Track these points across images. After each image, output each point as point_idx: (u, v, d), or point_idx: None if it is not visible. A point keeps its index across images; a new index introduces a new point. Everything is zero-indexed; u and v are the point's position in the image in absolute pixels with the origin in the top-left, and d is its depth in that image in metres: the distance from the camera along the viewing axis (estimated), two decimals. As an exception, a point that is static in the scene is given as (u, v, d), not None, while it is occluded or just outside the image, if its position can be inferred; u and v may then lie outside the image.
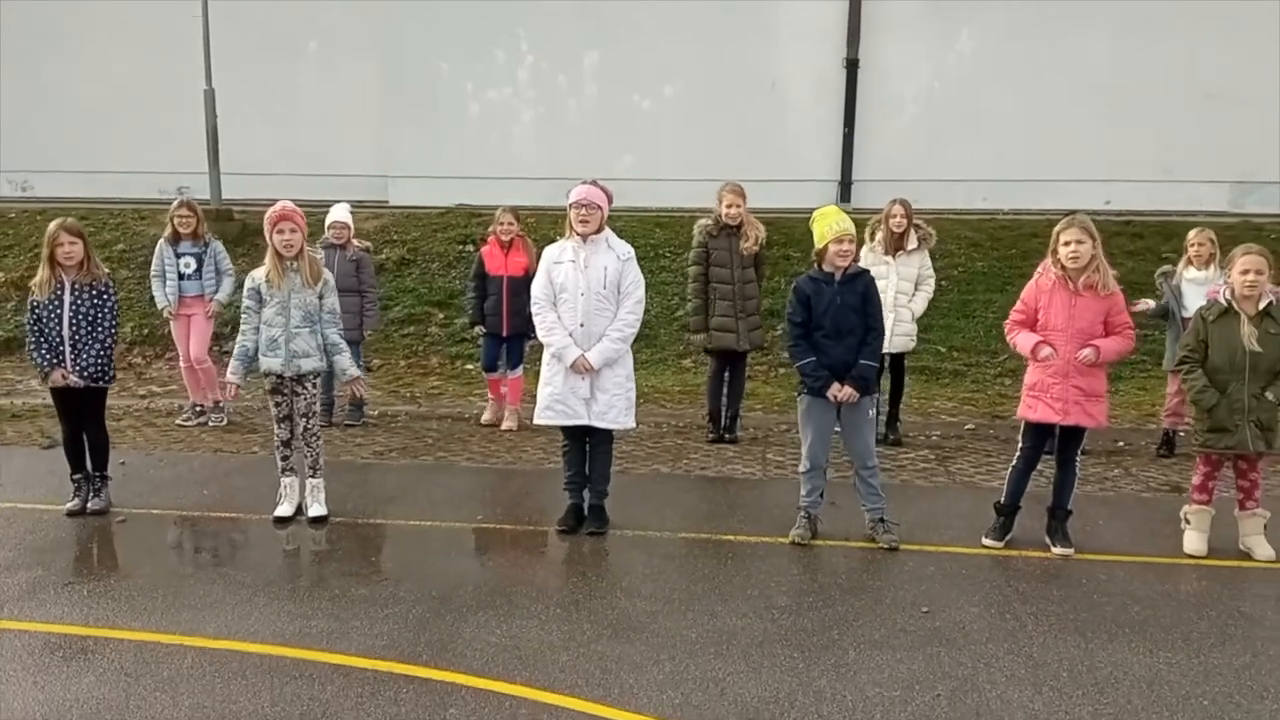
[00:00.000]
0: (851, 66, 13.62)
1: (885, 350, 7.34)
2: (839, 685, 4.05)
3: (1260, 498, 5.42)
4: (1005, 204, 13.00)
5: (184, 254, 8.05)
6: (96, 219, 12.49)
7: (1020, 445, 5.51)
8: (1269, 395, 5.18)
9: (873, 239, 7.55)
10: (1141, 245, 10.71)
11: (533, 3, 13.81)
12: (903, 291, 7.48)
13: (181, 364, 8.27)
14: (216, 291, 8.19)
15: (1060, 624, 4.60)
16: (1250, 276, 5.13)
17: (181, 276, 8.03)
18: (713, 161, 12.41)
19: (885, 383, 7.73)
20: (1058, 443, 5.48)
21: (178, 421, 8.26)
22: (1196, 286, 7.10)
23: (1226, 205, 12.94)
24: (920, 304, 7.53)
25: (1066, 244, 5.19)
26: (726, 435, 7.67)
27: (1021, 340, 5.39)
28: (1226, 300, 5.23)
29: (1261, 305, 5.18)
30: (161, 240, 8.20)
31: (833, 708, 3.89)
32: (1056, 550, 5.38)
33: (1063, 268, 5.22)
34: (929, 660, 4.25)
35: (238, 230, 11.84)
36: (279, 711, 3.88)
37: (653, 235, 11.58)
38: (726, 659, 4.28)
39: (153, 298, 8.44)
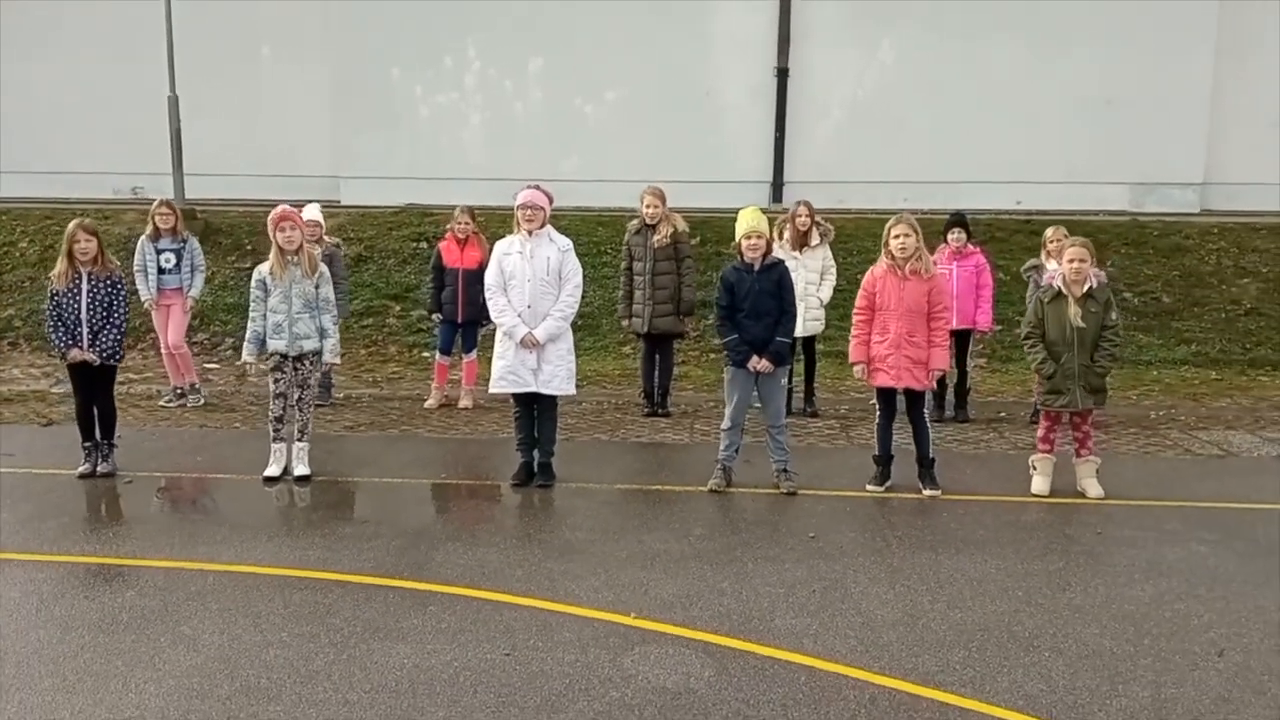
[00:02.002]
0: (781, 75, 14.97)
1: (801, 334, 8.67)
2: (737, 586, 5.31)
3: (1092, 447, 6.80)
4: (925, 204, 14.35)
5: (164, 249, 9.08)
6: (61, 218, 13.34)
7: (877, 406, 6.85)
8: (1096, 364, 6.55)
9: (781, 237, 8.79)
10: (1038, 241, 12.07)
11: (480, 12, 14.96)
12: (810, 282, 8.73)
13: (163, 350, 9.29)
14: (192, 286, 9.23)
15: (918, 543, 5.90)
16: (1075, 264, 6.49)
17: (161, 270, 9.06)
18: (653, 163, 13.65)
19: (801, 365, 9.05)
20: (906, 404, 6.78)
21: (160, 403, 9.28)
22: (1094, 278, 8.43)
23: (1127, 205, 14.46)
24: (827, 292, 8.79)
25: (896, 237, 6.52)
26: (659, 410, 8.90)
27: (852, 353, 6.88)
28: (1058, 286, 6.58)
29: (1085, 288, 6.53)
30: (143, 237, 9.21)
31: (730, 600, 5.13)
32: (926, 492, 6.70)
33: (892, 257, 6.53)
34: (810, 569, 5.52)
35: (200, 229, 12.79)
36: (291, 611, 5.03)
37: (595, 233, 12.77)
38: (649, 570, 5.50)
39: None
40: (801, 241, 8.75)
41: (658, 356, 8.95)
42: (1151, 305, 11.27)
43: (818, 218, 8.88)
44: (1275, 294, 11.32)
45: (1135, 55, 14.33)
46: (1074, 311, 6.51)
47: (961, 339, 8.48)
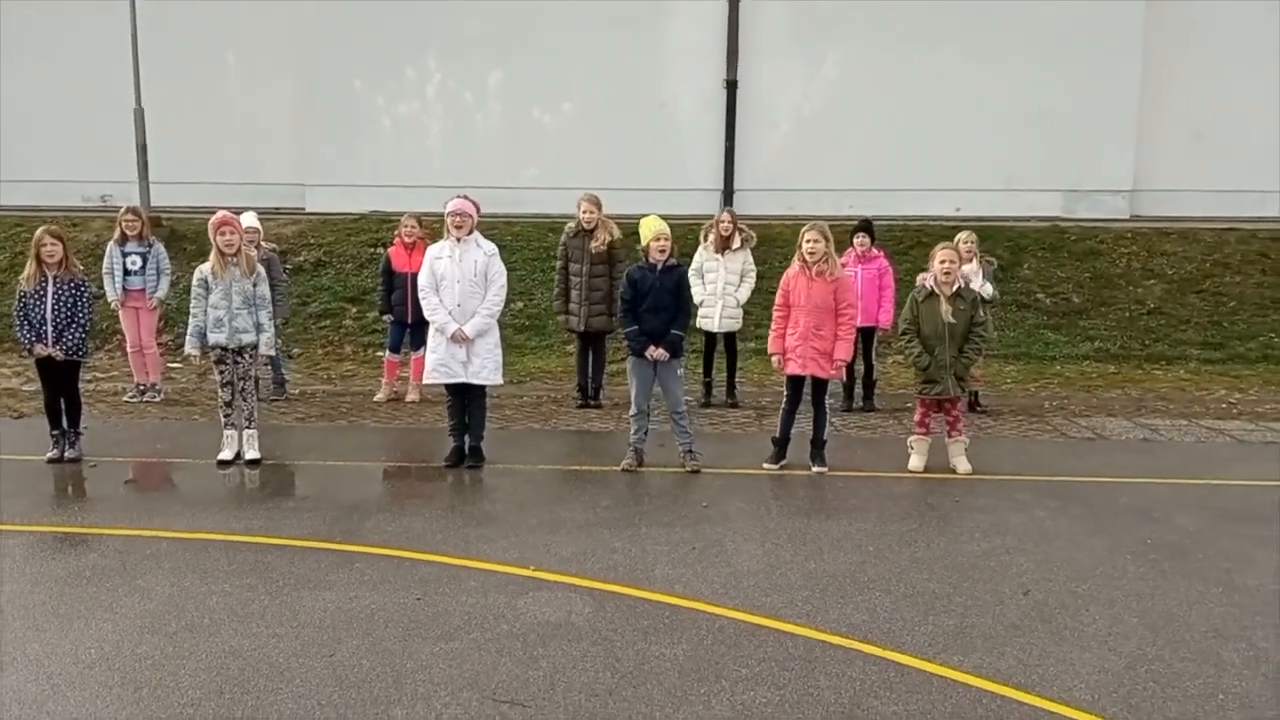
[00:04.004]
0: (731, 87, 15.95)
1: (718, 330, 9.59)
2: (629, 545, 6.19)
3: (962, 429, 7.72)
4: (868, 210, 15.24)
5: (130, 253, 9.94)
6: (31, 226, 14.12)
7: (785, 393, 7.75)
8: (964, 356, 7.48)
9: (705, 240, 9.72)
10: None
11: (440, 25, 15.88)
12: (730, 282, 9.62)
13: (130, 349, 10.12)
14: (157, 289, 10.08)
15: (795, 511, 6.81)
16: (946, 265, 7.42)
17: (128, 272, 9.92)
18: (608, 172, 14.55)
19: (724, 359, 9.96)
20: (812, 391, 7.68)
21: (125, 399, 10.12)
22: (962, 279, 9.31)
23: (1060, 211, 15.45)
24: (745, 293, 9.67)
25: (807, 242, 7.43)
26: (592, 402, 9.79)
27: (770, 345, 7.75)
28: (931, 286, 7.50)
29: (954, 288, 7.46)
30: (111, 242, 10.07)
31: (620, 556, 6.01)
32: (814, 469, 7.61)
33: (804, 260, 7.44)
34: (696, 532, 6.41)
35: (165, 235, 13.64)
36: (234, 568, 5.88)
37: (546, 239, 13.63)
38: (555, 535, 6.38)
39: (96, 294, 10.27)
40: (724, 245, 9.64)
41: (591, 353, 9.83)
42: (1062, 305, 12.24)
43: (740, 224, 9.79)
44: (1178, 295, 12.31)
45: (1067, 68, 15.37)
46: (945, 309, 7.44)
47: (866, 335, 9.39)
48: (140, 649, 4.86)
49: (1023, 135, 15.53)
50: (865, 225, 9.55)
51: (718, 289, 9.40)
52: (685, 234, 11.10)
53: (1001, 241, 13.11)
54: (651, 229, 7.72)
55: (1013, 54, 15.42)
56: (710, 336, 9.77)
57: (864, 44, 15.68)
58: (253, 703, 4.36)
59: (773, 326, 7.79)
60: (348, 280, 13.07)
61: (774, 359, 7.84)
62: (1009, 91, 15.48)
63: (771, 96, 15.95)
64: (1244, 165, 15.24)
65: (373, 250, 13.43)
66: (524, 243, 13.71)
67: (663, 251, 7.65)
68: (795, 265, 7.59)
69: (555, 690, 4.46)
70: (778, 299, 7.73)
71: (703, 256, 9.56)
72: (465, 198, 7.64)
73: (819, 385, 7.65)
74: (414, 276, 9.71)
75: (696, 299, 9.68)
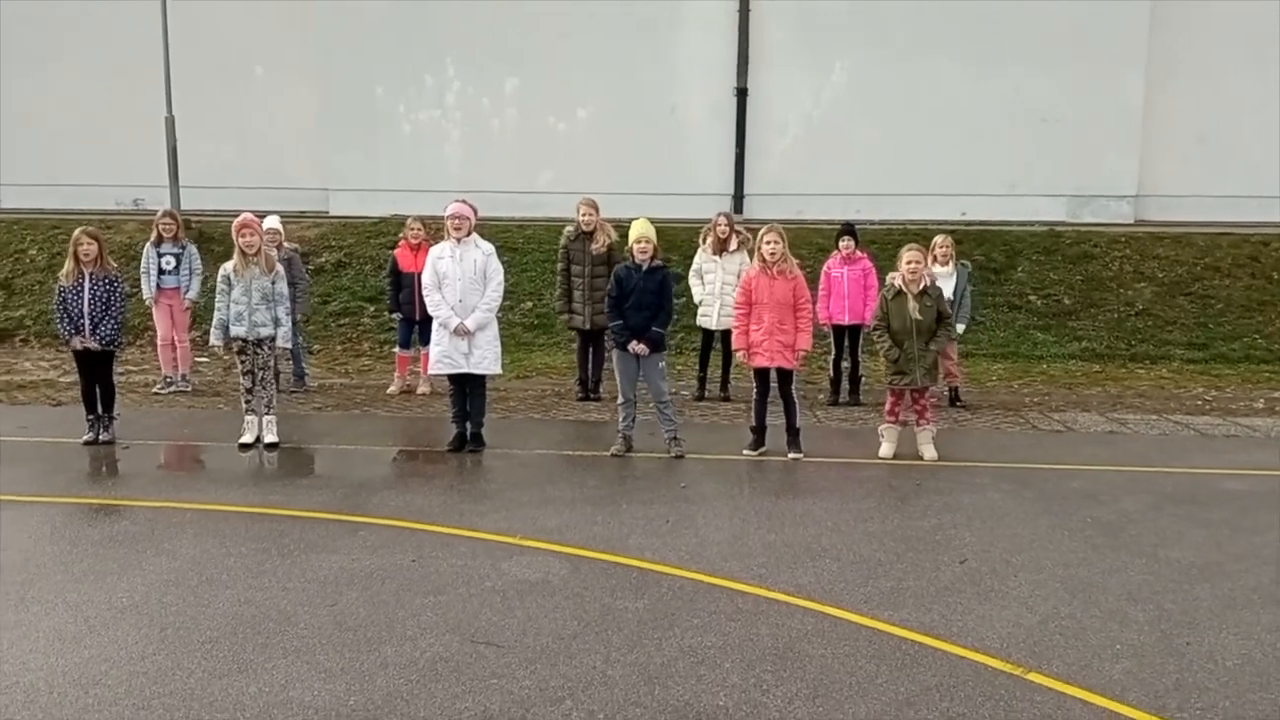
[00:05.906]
0: (741, 95, 16.65)
1: (716, 328, 10.26)
2: (609, 519, 6.87)
3: (930, 418, 8.34)
4: (875, 215, 15.92)
5: (165, 253, 10.79)
6: (67, 228, 15.04)
7: (754, 385, 8.41)
8: (930, 348, 8.12)
9: (704, 242, 10.39)
10: (971, 249, 13.62)
11: (459, 35, 16.70)
12: (727, 283, 10.27)
13: (160, 342, 10.94)
14: (189, 288, 10.90)
15: (768, 491, 7.47)
16: (912, 266, 8.06)
17: (163, 271, 10.76)
18: (620, 176, 15.31)
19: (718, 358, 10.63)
20: (779, 382, 8.33)
21: (154, 390, 10.94)
22: (943, 279, 9.82)
23: (1065, 216, 16.00)
24: (741, 293, 10.34)
25: (767, 244, 8.09)
26: (591, 395, 10.49)
27: (734, 342, 8.45)
28: (899, 285, 8.15)
29: (921, 286, 8.10)
30: (148, 243, 10.92)
31: (599, 528, 6.70)
32: (790, 455, 8.26)
33: (764, 260, 8.11)
34: (671, 508, 7.08)
35: (194, 237, 14.45)
36: (251, 534, 6.62)
37: (556, 242, 14.19)
38: (542, 509, 7.08)
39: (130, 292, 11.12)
40: (721, 247, 10.31)
41: (591, 349, 10.54)
42: (1053, 306, 12.81)
43: (737, 226, 10.46)
44: (1167, 297, 12.84)
45: (1071, 75, 15.94)
46: (912, 305, 8.08)
47: (852, 333, 10.04)
48: (165, 599, 5.61)
49: (1028, 141, 16.12)
50: (848, 229, 10.19)
51: (716, 289, 10.08)
52: (693, 237, 11.82)
53: (998, 245, 13.69)
54: (634, 231, 8.41)
55: (1018, 60, 16.02)
56: (708, 334, 10.43)
57: (871, 52, 16.32)
58: (262, 641, 5.09)
59: (735, 324, 8.48)
60: (366, 281, 13.86)
61: (739, 354, 8.53)
62: (1014, 97, 16.08)
63: (780, 103, 16.65)
64: (1249, 170, 15.73)
65: (390, 252, 14.13)
66: (535, 245, 14.44)
67: (643, 253, 8.34)
68: (755, 266, 8.27)
69: (526, 635, 5.15)
70: (738, 298, 8.41)
71: (702, 258, 10.24)
72: (464, 201, 8.37)
73: (784, 376, 8.30)
74: (420, 276, 10.48)
75: (696, 299, 10.41)
